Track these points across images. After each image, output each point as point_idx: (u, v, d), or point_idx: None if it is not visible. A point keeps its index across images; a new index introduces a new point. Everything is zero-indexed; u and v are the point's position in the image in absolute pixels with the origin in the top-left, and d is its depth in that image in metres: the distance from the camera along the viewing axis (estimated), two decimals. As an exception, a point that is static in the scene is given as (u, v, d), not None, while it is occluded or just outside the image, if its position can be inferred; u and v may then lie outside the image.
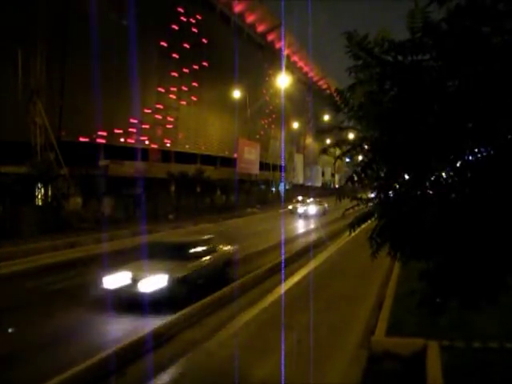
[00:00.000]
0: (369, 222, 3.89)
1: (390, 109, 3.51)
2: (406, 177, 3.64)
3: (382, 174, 3.66)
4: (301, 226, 29.04)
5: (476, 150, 3.45)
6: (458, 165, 3.49)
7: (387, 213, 3.65)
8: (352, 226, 3.86)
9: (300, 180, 73.91)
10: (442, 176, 3.54)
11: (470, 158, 3.48)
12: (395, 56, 3.44)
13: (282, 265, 14.35)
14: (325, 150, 4.62)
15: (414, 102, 3.35)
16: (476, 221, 3.21)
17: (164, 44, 39.96)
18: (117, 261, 12.94)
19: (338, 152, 4.10)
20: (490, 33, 3.20)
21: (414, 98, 3.35)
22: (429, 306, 3.58)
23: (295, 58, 70.74)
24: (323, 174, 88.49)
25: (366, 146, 3.80)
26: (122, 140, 36.27)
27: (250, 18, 56.36)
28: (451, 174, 3.53)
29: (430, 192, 3.53)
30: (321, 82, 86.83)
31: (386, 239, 3.68)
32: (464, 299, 3.45)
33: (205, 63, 45.11)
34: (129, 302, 9.64)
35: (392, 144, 3.47)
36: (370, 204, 3.87)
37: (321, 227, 26.31)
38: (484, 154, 3.40)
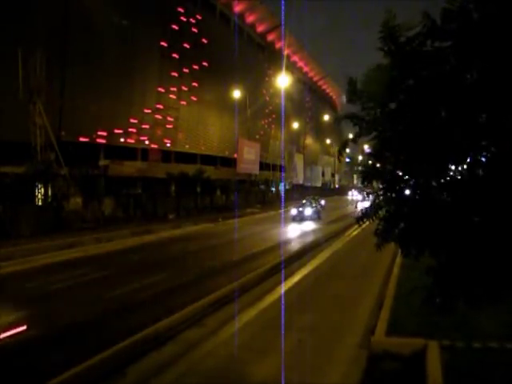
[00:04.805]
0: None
1: (405, 98, 3.50)
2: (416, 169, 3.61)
3: (391, 167, 3.67)
4: (300, 226, 28.95)
5: (487, 147, 3.43)
6: (468, 160, 3.47)
7: (396, 205, 3.65)
8: (360, 219, 3.88)
9: (300, 180, 73.87)
10: (453, 170, 3.53)
11: (482, 154, 3.46)
12: (419, 44, 3.44)
13: (282, 265, 14.37)
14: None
15: (431, 91, 3.34)
16: (485, 217, 3.19)
17: (164, 44, 39.96)
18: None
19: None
20: None
21: (431, 87, 3.34)
22: (435, 304, 3.53)
23: (295, 58, 70.69)
24: (323, 174, 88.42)
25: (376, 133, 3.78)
26: (122, 140, 36.27)
27: (250, 18, 56.34)
28: (461, 169, 3.51)
29: (439, 187, 3.52)
30: (321, 82, 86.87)
31: (393, 231, 3.67)
32: (470, 297, 3.41)
33: (205, 63, 45.11)
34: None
35: (405, 135, 3.46)
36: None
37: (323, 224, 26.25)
38: (495, 150, 3.38)
